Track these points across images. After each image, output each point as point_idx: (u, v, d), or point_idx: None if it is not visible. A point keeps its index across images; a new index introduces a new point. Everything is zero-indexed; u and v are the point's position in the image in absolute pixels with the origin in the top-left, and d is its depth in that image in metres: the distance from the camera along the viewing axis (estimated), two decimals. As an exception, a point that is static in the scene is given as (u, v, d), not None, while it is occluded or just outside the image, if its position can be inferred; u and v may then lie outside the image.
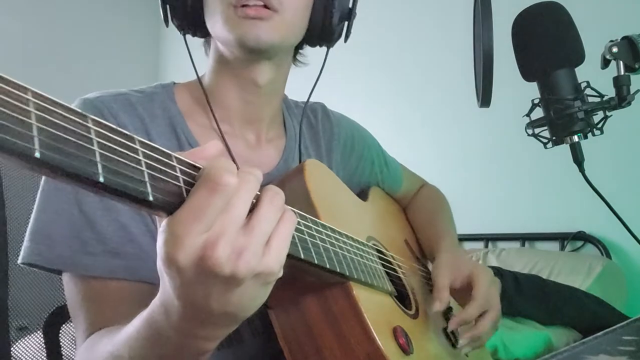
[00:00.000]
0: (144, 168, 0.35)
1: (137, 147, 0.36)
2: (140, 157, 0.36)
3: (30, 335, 0.87)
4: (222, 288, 0.40)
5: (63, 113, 0.32)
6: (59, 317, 0.87)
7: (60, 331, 0.87)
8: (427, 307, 0.79)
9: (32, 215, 0.65)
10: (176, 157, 0.39)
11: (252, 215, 0.40)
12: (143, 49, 4.27)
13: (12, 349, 0.84)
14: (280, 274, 0.43)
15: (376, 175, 0.98)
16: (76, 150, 0.32)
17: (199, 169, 0.40)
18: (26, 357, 0.88)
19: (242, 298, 0.41)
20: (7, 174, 0.84)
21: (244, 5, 0.67)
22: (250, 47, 0.68)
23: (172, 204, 0.37)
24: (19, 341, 0.86)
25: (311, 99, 0.92)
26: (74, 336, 0.87)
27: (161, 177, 0.37)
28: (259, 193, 0.42)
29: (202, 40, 0.81)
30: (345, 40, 0.82)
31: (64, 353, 0.86)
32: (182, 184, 0.38)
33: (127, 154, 0.35)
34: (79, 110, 0.33)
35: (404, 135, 2.71)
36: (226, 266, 0.38)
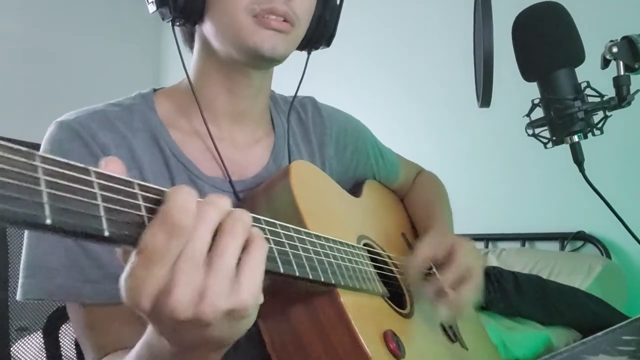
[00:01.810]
0: (99, 202, 0.34)
1: (93, 179, 0.34)
2: (96, 190, 0.34)
3: (30, 335, 0.87)
4: (192, 329, 0.38)
5: (5, 155, 0.30)
6: (58, 318, 0.87)
7: (60, 332, 0.87)
8: (423, 304, 0.78)
9: (24, 251, 0.63)
10: (139, 184, 0.37)
11: (211, 250, 0.38)
12: (143, 48, 4.27)
13: (12, 349, 0.84)
14: (260, 302, 0.41)
15: (372, 167, 0.95)
16: (20, 193, 0.30)
17: (162, 192, 0.38)
18: (26, 357, 0.88)
19: (220, 334, 0.40)
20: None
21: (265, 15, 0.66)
22: (264, 57, 0.68)
23: (132, 238, 0.36)
24: (19, 342, 0.86)
25: (309, 95, 0.91)
26: (73, 337, 0.86)
27: (119, 208, 0.35)
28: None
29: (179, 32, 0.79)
30: (325, 47, 0.83)
31: (63, 354, 0.86)
32: (144, 213, 0.36)
33: (80, 189, 0.33)
34: (24, 149, 0.31)
35: (405, 135, 2.71)
36: (187, 311, 0.37)
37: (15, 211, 0.29)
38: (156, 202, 0.37)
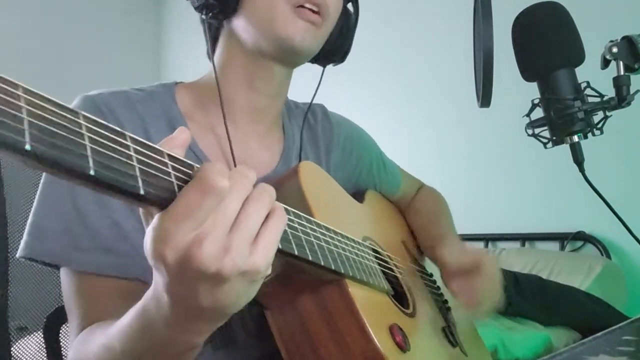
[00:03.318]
0: (135, 163, 0.36)
1: (129, 143, 0.37)
2: (132, 153, 0.36)
3: (30, 335, 0.87)
4: (208, 285, 0.40)
5: (54, 109, 0.32)
6: (58, 317, 0.87)
7: (60, 331, 0.87)
8: (424, 307, 0.79)
9: (32, 209, 0.65)
10: (168, 155, 0.39)
11: (239, 213, 0.40)
12: (143, 49, 4.27)
13: (12, 349, 0.84)
14: (269, 272, 0.43)
15: (373, 177, 0.98)
16: (67, 144, 0.32)
17: (191, 165, 0.41)
18: (26, 357, 0.88)
19: (229, 295, 0.41)
20: (9, 176, 0.84)
21: (301, 6, 0.68)
22: (294, 48, 0.70)
23: (164, 199, 0.38)
24: (19, 341, 0.86)
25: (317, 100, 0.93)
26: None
27: (152, 172, 0.37)
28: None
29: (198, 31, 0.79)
30: (336, 64, 0.84)
31: (64, 353, 0.86)
32: (173, 180, 0.39)
33: (118, 149, 0.35)
34: (70, 107, 0.34)
35: (405, 136, 2.71)
36: (212, 264, 0.38)
37: (66, 159, 0.32)
38: (183, 173, 0.40)
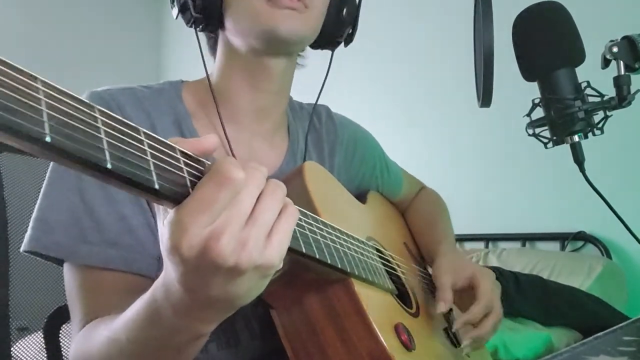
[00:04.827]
0: (149, 158, 0.36)
1: (143, 138, 0.37)
2: (146, 148, 0.37)
3: (30, 335, 0.87)
4: (223, 278, 0.40)
5: (71, 102, 0.33)
6: (59, 317, 0.87)
7: (61, 331, 0.87)
8: (428, 307, 0.79)
9: (37, 203, 0.65)
10: (180, 150, 0.40)
11: (254, 207, 0.41)
12: (143, 49, 4.27)
13: (12, 349, 0.84)
14: (280, 266, 0.43)
15: (376, 179, 0.98)
16: (84, 137, 0.32)
17: (202, 162, 0.41)
18: (26, 357, 0.88)
19: (241, 287, 0.42)
20: (8, 176, 0.84)
21: None
22: (281, 38, 0.69)
23: (177, 194, 0.38)
24: (19, 341, 0.86)
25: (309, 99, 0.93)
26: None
27: (166, 167, 0.38)
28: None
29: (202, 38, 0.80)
30: (346, 45, 0.84)
31: (64, 353, 0.86)
32: (186, 175, 0.39)
33: (133, 144, 0.36)
34: (87, 101, 0.34)
35: (405, 137, 2.71)
36: (230, 258, 0.39)
37: (83, 151, 0.32)
38: (195, 169, 0.40)
